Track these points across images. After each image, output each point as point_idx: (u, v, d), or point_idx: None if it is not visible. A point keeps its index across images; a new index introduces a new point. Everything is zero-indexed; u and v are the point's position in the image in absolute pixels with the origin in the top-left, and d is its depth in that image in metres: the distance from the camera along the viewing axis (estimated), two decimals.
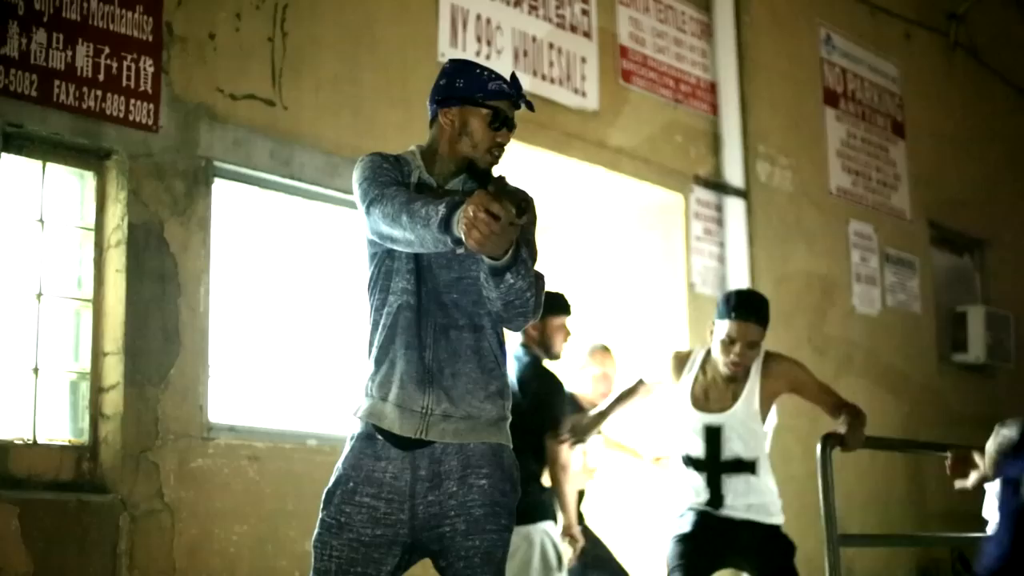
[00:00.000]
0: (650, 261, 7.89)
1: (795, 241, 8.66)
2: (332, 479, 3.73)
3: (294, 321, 5.94)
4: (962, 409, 9.86)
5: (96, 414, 5.18)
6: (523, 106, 3.80)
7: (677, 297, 7.78)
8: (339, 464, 3.74)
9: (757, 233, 8.23)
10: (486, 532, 3.70)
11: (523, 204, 3.31)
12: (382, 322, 3.70)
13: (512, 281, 3.55)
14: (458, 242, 3.37)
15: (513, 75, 3.78)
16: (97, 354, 5.21)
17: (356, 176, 3.77)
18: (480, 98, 3.72)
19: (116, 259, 5.25)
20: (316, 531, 3.66)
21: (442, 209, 3.40)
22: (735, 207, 8.13)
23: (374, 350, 3.72)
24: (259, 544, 5.49)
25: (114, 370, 5.18)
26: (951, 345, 10.10)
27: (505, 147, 3.79)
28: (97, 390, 5.19)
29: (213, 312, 5.50)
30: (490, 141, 3.73)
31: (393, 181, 3.69)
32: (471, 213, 3.28)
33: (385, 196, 3.59)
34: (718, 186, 8.13)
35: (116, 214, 5.27)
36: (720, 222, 8.10)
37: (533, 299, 3.64)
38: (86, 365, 5.20)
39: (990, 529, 6.08)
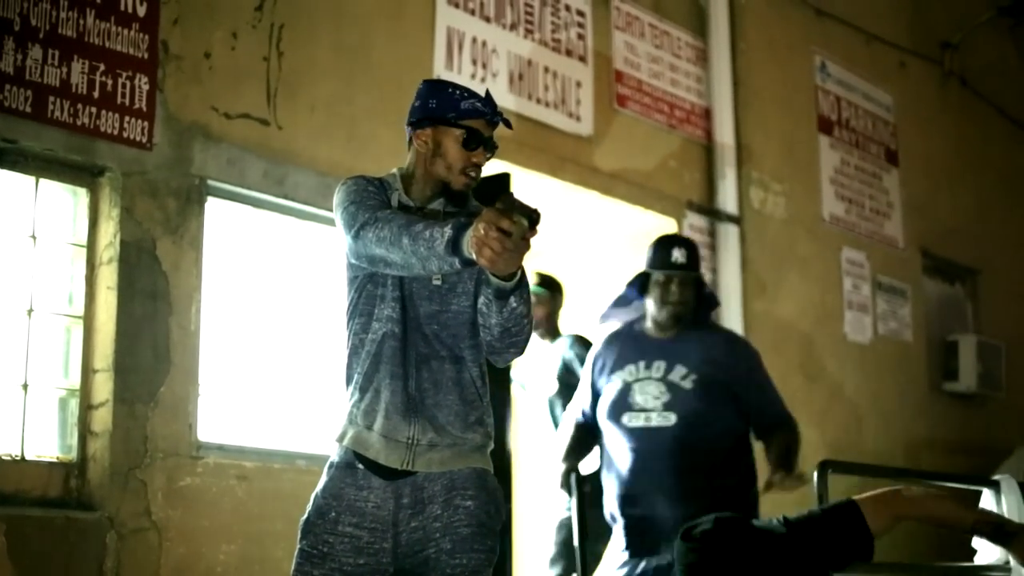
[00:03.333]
0: None
1: (788, 268, 8.66)
2: (311, 508, 3.70)
3: (285, 341, 5.93)
4: (953, 438, 9.86)
5: (85, 431, 5.16)
6: (500, 124, 3.74)
7: None
8: (318, 493, 3.73)
9: (750, 259, 8.23)
10: (473, 551, 3.69)
11: (533, 217, 3.27)
12: (366, 349, 3.68)
13: (515, 305, 3.54)
14: (466, 263, 3.34)
15: (487, 92, 3.73)
16: (87, 371, 5.20)
17: (340, 199, 3.73)
18: (452, 118, 3.67)
19: (108, 276, 5.24)
20: (295, 561, 3.64)
21: (448, 230, 3.36)
22: (728, 233, 8.14)
23: (358, 377, 3.69)
24: (247, 564, 5.47)
25: (104, 387, 5.17)
26: (942, 374, 10.09)
27: (482, 168, 3.74)
28: (86, 407, 5.17)
29: (204, 331, 5.49)
30: (464, 161, 3.68)
31: (381, 204, 3.66)
32: (482, 231, 3.24)
33: (379, 219, 3.55)
34: (711, 212, 8.14)
35: (109, 231, 5.27)
36: (713, 248, 8.10)
37: (528, 328, 3.62)
38: (76, 382, 5.19)
39: (979, 559, 6.08)
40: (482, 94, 3.72)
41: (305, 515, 3.71)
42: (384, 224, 3.53)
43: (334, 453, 3.76)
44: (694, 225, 8.01)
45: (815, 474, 5.24)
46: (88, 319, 5.23)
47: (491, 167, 6.82)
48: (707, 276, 7.99)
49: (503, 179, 6.44)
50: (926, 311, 10.09)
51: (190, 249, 5.46)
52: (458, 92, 3.70)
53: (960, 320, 10.65)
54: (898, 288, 9.74)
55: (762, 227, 8.47)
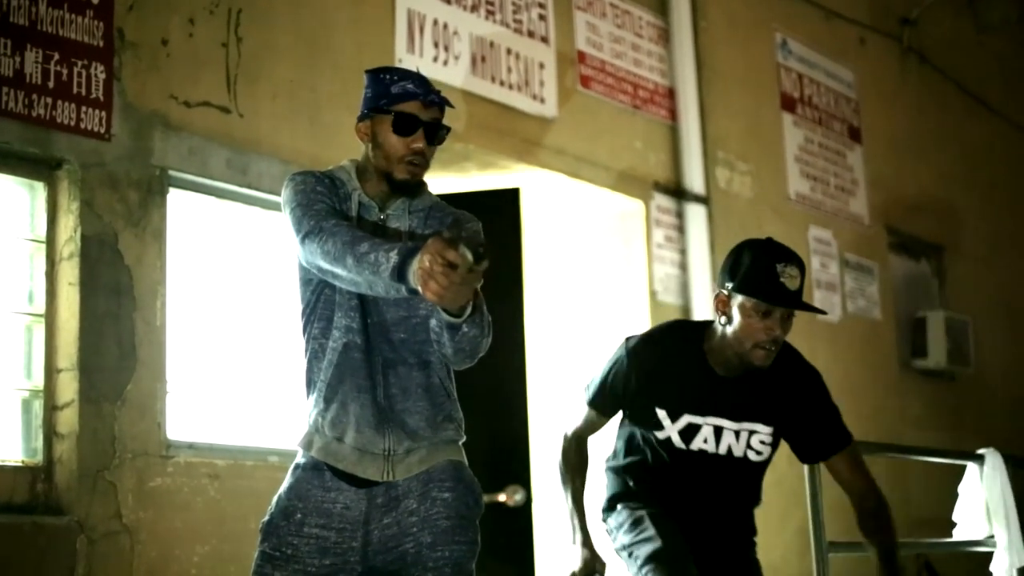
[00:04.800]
0: (611, 269, 7.76)
1: None
2: (274, 510, 3.59)
3: (253, 335, 5.77)
4: (923, 415, 9.81)
5: (50, 433, 4.98)
6: (438, 104, 3.58)
7: (639, 305, 7.66)
8: (282, 494, 3.62)
9: (718, 240, 8.12)
10: (455, 543, 3.59)
11: (480, 250, 3.06)
12: (327, 357, 3.58)
13: (467, 330, 3.39)
14: (414, 292, 3.16)
15: (418, 72, 3.59)
16: (50, 371, 5.01)
17: (286, 197, 3.59)
18: (384, 104, 3.53)
19: (69, 272, 5.06)
20: (255, 563, 3.55)
21: (394, 257, 3.19)
22: (696, 214, 8.02)
23: (321, 385, 3.59)
24: (222, 564, 5.31)
25: (68, 387, 4.98)
26: (911, 351, 10.04)
27: (427, 155, 3.58)
28: (51, 408, 4.99)
29: (170, 326, 5.33)
30: (403, 149, 3.54)
31: (329, 209, 3.50)
32: (427, 264, 3.05)
33: (324, 231, 3.39)
34: (679, 193, 8.02)
35: (68, 225, 5.09)
36: (681, 229, 7.99)
37: (485, 343, 3.48)
38: (39, 382, 5.01)
39: (957, 533, 6.03)
40: (415, 74, 3.57)
41: (267, 517, 3.61)
42: (328, 237, 3.38)
43: (299, 456, 3.65)
44: (661, 206, 7.90)
45: None
46: (50, 317, 5.05)
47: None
48: (675, 258, 7.90)
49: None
50: (893, 288, 10.03)
51: (153, 242, 5.29)
52: (388, 76, 3.57)
53: (927, 297, 10.60)
54: (865, 266, 9.67)
55: (729, 207, 8.37)
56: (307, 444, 3.64)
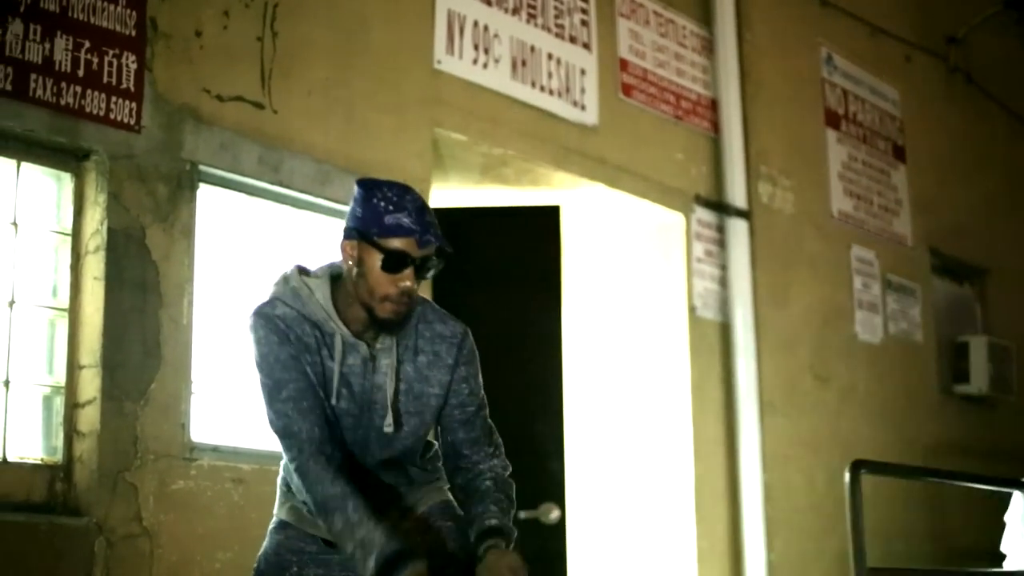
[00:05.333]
0: (650, 283, 7.58)
1: (798, 265, 8.38)
2: (264, 566, 3.52)
3: None
4: (965, 441, 9.59)
5: (71, 431, 4.82)
6: (435, 247, 3.25)
7: (678, 320, 7.48)
8: (268, 551, 3.54)
9: (759, 256, 7.94)
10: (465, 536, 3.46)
11: None
12: None
13: None
14: None
15: (421, 206, 3.23)
16: (72, 367, 4.86)
17: (255, 357, 3.39)
18: (375, 235, 3.20)
19: (94, 266, 4.91)
20: None
21: (371, 564, 3.11)
22: (737, 228, 7.83)
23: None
24: (243, 572, 5.07)
25: (90, 384, 4.83)
26: (952, 376, 9.81)
27: (413, 294, 3.27)
28: (72, 405, 4.84)
29: (197, 325, 5.17)
30: (390, 288, 3.23)
31: (307, 388, 3.32)
32: None
33: (311, 470, 3.33)
34: (720, 207, 7.84)
35: (95, 218, 4.94)
36: (722, 244, 7.80)
37: None
38: (61, 378, 4.86)
39: (1008, 564, 5.83)
40: (412, 203, 3.22)
41: (256, 569, 3.56)
42: (315, 484, 3.29)
43: (283, 515, 3.60)
44: (702, 220, 7.72)
45: (847, 474, 5.03)
46: (73, 311, 4.90)
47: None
48: (715, 273, 7.72)
49: None
50: (935, 311, 9.81)
51: (181, 238, 5.14)
52: (383, 203, 3.20)
53: (969, 321, 10.38)
54: (908, 287, 9.46)
55: (771, 223, 8.19)
56: (297, 518, 3.57)
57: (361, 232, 3.24)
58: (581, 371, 7.36)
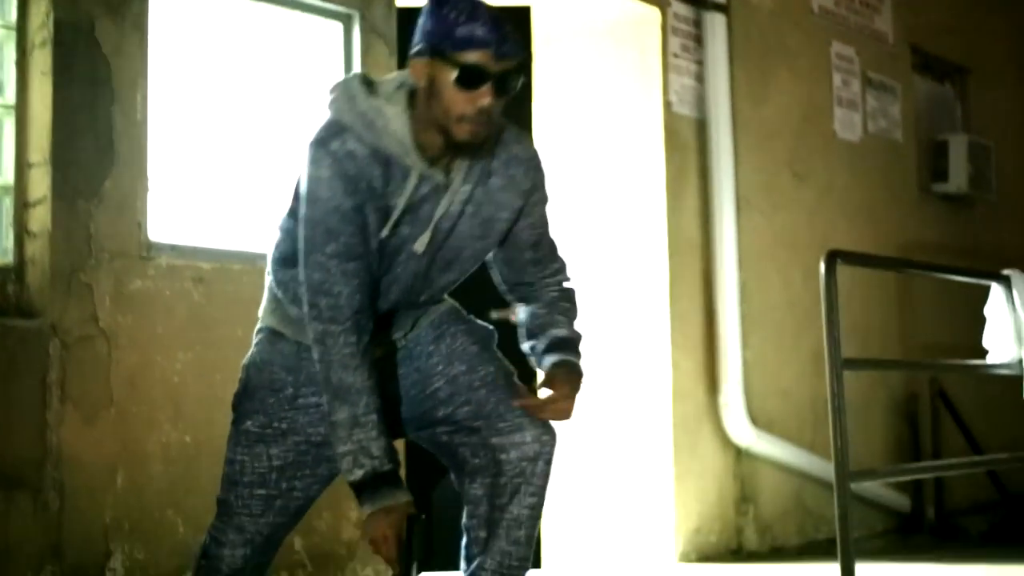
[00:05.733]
0: (624, 79, 7.39)
1: (776, 62, 8.17)
2: (254, 382, 3.25)
3: (242, 134, 5.44)
4: (942, 240, 9.51)
5: (21, 231, 4.69)
6: (516, 62, 3.01)
7: (653, 116, 7.30)
8: (258, 362, 3.27)
9: (737, 52, 7.73)
10: (494, 362, 3.28)
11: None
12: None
13: None
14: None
15: (496, 16, 2.99)
16: (21, 165, 4.71)
17: (306, 193, 3.05)
18: (448, 49, 2.95)
19: (41, 61, 4.72)
20: (239, 446, 3.21)
21: (358, 473, 3.00)
22: (715, 23, 7.59)
23: None
24: (205, 372, 5.06)
25: (40, 183, 4.68)
26: (931, 175, 9.69)
27: (494, 111, 3.02)
28: (22, 205, 4.70)
29: (152, 122, 5.00)
30: (463, 106, 2.97)
31: (358, 246, 3.04)
32: (380, 535, 2.99)
33: (337, 346, 3.04)
34: (697, 0, 7.60)
35: (41, 11, 4.73)
36: (699, 39, 7.58)
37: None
38: (9, 178, 4.72)
39: (991, 359, 5.77)
40: (486, 13, 2.98)
41: (241, 387, 3.28)
42: (335, 363, 3.03)
43: (273, 322, 3.33)
44: (679, 14, 7.48)
45: (822, 265, 4.94)
46: (21, 108, 4.73)
47: None
48: (692, 68, 7.53)
49: None
50: (916, 109, 9.64)
51: (133, 31, 4.94)
52: (454, 14, 2.95)
53: (949, 120, 10.22)
54: (888, 85, 9.27)
55: (750, 18, 7.95)
56: (282, 320, 3.30)
57: (433, 47, 2.97)
58: (551, 172, 7.20)
